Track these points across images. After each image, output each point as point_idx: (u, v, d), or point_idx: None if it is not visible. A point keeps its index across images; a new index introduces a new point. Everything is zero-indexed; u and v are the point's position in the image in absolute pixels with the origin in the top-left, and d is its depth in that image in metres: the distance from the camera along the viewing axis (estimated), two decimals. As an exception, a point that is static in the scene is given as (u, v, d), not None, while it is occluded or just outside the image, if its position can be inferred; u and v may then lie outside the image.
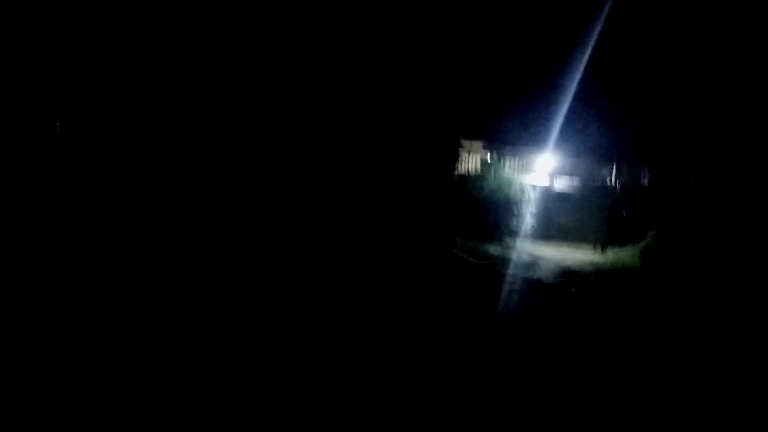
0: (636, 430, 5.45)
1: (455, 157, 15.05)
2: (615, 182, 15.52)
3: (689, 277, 11.23)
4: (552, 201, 14.83)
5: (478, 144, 15.32)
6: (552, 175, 15.41)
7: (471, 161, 15.32)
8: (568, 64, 14.38)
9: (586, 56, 14.05)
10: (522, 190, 14.35)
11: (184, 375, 5.60)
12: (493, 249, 12.86)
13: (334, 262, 10.02)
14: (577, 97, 14.53)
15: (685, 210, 13.91)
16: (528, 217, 14.40)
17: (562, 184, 15.41)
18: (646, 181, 15.87)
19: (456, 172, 15.03)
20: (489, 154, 15.23)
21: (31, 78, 12.05)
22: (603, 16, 13.96)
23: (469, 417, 5.32)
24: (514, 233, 13.93)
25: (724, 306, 9.15)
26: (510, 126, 14.52)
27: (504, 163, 14.89)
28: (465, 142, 15.13)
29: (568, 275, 11.27)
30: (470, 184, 14.50)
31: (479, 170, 15.01)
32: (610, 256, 13.40)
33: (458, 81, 14.36)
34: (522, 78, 14.86)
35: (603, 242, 14.00)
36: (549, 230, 14.46)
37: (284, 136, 13.31)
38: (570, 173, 15.50)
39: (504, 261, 11.95)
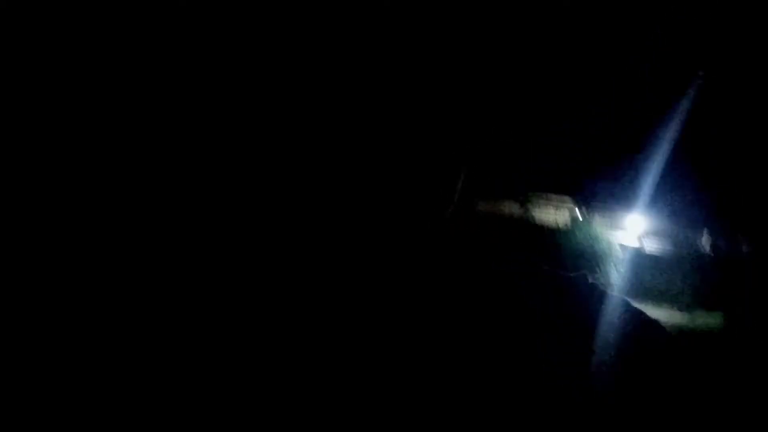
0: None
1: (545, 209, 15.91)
2: (707, 247, 15.69)
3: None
4: (640, 260, 15.26)
5: (568, 198, 16.12)
6: (642, 235, 15.85)
7: (560, 215, 16.11)
8: (667, 125, 14.98)
9: (684, 118, 14.61)
10: (610, 246, 14.93)
11: (184, 374, 5.61)
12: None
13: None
14: (674, 158, 15.04)
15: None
16: (615, 274, 14.88)
17: (652, 245, 15.80)
18: (740, 249, 15.89)
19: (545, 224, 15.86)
20: (579, 209, 15.99)
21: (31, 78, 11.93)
22: (702, 78, 14.53)
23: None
24: (597, 287, 14.47)
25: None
26: (602, 183, 15.28)
27: (593, 218, 15.61)
28: (556, 196, 16.00)
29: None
30: (558, 236, 15.28)
31: (568, 224, 15.78)
32: (694, 318, 13.65)
33: (551, 136, 15.27)
34: (618, 135, 15.57)
35: (689, 305, 14.24)
36: (636, 288, 14.85)
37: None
38: (661, 234, 15.88)
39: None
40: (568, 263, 14.27)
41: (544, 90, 15.36)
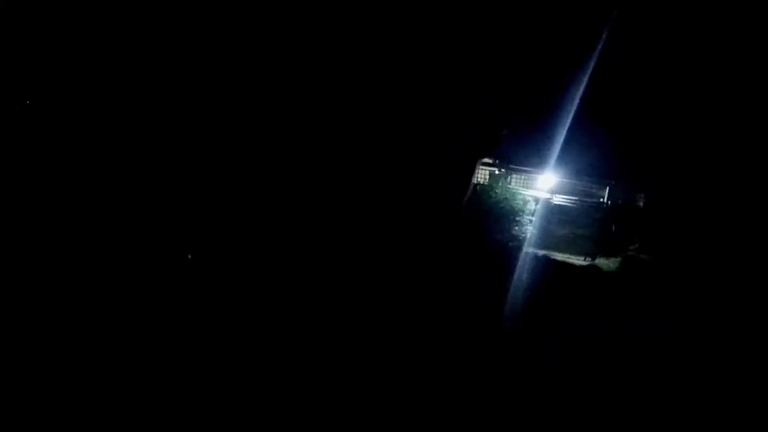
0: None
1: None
2: (606, 200, 17.81)
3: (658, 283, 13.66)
4: (550, 213, 17.15)
5: (488, 161, 17.70)
6: (551, 192, 17.71)
7: (481, 175, 17.70)
8: (570, 95, 16.69)
9: (582, 90, 16.36)
10: (524, 202, 16.66)
11: (184, 370, 5.76)
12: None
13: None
14: (578, 124, 16.82)
15: (666, 228, 16.25)
16: (528, 227, 16.67)
17: (559, 200, 17.71)
18: (634, 201, 18.11)
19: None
20: (497, 170, 17.62)
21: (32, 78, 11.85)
22: (597, 57, 16.25)
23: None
24: (515, 238, 16.22)
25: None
26: (516, 147, 16.93)
27: (509, 178, 17.32)
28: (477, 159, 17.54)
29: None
30: (480, 193, 16.85)
31: (488, 183, 17.39)
32: (597, 263, 15.73)
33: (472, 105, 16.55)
34: (528, 105, 17.13)
35: (591, 251, 16.32)
36: (546, 239, 16.77)
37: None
38: (567, 191, 17.82)
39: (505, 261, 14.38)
40: (489, 217, 15.93)
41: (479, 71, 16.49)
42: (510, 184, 17.43)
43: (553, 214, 17.19)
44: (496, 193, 16.71)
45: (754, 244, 14.36)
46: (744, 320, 10.25)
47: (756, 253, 14.14)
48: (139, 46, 12.68)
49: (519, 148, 17.10)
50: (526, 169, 17.78)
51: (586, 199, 17.82)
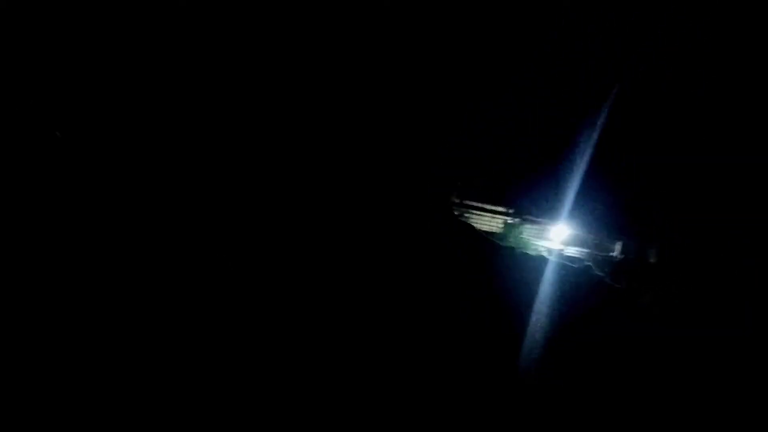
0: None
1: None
2: (618, 254, 18.02)
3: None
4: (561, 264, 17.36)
5: (501, 209, 18.08)
6: (563, 243, 17.99)
7: (494, 223, 18.03)
8: (583, 150, 17.14)
9: (594, 146, 16.82)
10: (536, 251, 16.92)
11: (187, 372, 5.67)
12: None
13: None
14: (592, 177, 17.22)
15: (677, 282, 16.35)
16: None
17: (571, 252, 17.95)
18: (645, 255, 18.28)
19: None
20: (510, 219, 17.98)
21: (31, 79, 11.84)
22: (609, 109, 16.75)
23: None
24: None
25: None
26: (529, 197, 17.33)
27: (523, 227, 17.65)
28: (491, 207, 17.92)
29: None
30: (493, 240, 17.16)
31: (501, 231, 17.71)
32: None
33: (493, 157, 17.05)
34: (543, 157, 17.61)
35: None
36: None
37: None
38: (579, 243, 18.08)
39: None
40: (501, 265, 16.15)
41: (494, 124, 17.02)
42: (522, 234, 17.75)
43: (564, 264, 17.40)
44: (509, 242, 17.03)
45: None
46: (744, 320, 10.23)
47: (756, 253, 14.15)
48: (139, 46, 12.75)
49: (532, 198, 17.50)
50: (538, 219, 18.13)
51: (598, 252, 18.06)
